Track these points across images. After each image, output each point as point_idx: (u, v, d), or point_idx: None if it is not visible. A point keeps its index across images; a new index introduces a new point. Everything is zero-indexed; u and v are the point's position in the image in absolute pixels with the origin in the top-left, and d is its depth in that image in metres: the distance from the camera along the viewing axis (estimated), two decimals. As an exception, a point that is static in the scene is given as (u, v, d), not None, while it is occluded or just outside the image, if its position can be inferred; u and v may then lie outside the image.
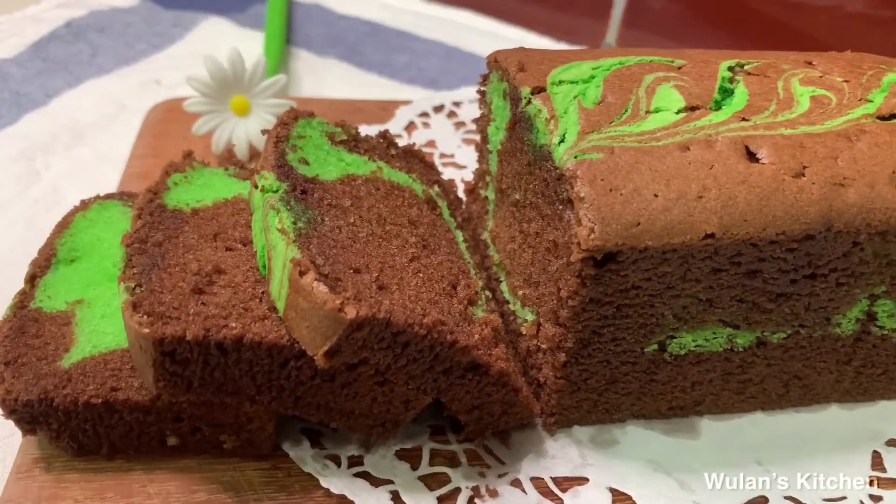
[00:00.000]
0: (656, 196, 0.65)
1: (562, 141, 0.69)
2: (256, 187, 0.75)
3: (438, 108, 1.29)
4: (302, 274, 0.63)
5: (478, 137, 0.96)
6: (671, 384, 0.80)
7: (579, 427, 0.82)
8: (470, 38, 1.67)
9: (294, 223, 0.69)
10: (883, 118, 0.76)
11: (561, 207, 0.69)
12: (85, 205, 0.90)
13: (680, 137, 0.70)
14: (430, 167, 0.97)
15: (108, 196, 0.92)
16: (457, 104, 1.31)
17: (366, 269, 0.69)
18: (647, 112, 0.72)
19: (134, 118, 1.28)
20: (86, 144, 1.26)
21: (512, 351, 0.85)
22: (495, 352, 0.73)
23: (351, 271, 0.67)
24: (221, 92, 1.09)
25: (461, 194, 1.03)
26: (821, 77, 0.80)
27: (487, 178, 0.94)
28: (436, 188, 0.92)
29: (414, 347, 0.67)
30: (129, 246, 0.74)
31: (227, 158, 0.90)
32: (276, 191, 0.73)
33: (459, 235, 0.90)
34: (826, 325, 0.78)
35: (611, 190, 0.65)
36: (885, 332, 0.80)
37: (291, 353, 0.67)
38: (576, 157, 0.67)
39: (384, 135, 0.93)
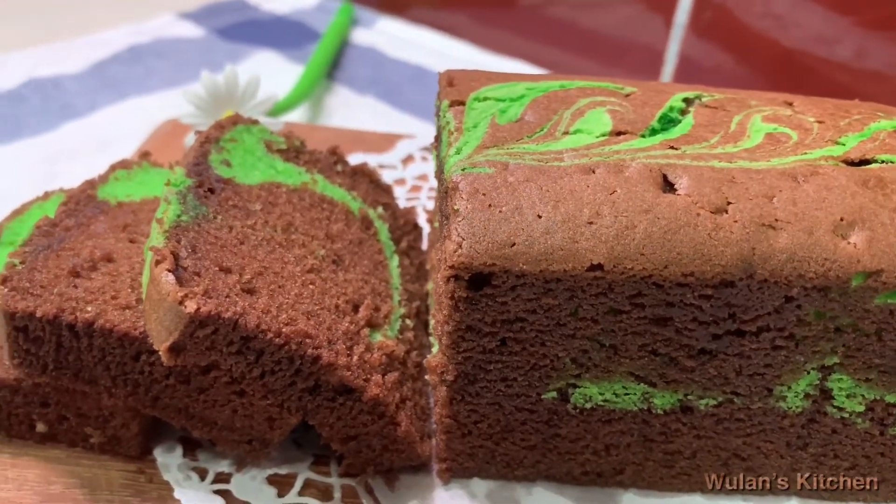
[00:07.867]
0: (539, 217, 0.58)
1: (457, 153, 0.64)
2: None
3: (444, 145, 1.26)
4: (158, 263, 0.61)
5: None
6: (580, 443, 0.70)
7: (479, 480, 0.73)
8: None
9: (178, 216, 0.67)
10: (851, 163, 0.65)
11: (446, 223, 0.63)
12: (46, 196, 0.92)
13: (587, 160, 0.63)
14: (383, 190, 0.93)
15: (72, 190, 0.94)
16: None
17: (239, 270, 0.65)
18: (565, 133, 0.66)
19: (160, 133, 1.33)
20: (107, 154, 1.31)
21: (427, 389, 0.79)
22: (375, 378, 0.67)
23: (217, 269, 0.64)
24: (214, 106, 1.11)
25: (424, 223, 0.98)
26: (790, 116, 0.70)
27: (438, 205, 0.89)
28: (379, 209, 0.88)
29: (269, 357, 0.62)
30: (38, 227, 0.74)
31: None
32: (179, 185, 0.71)
33: (395, 260, 0.85)
34: (767, 396, 0.66)
35: (490, 206, 0.59)
36: (846, 416, 0.67)
37: (144, 347, 0.64)
38: (463, 170, 0.62)
39: (334, 150, 0.90)
